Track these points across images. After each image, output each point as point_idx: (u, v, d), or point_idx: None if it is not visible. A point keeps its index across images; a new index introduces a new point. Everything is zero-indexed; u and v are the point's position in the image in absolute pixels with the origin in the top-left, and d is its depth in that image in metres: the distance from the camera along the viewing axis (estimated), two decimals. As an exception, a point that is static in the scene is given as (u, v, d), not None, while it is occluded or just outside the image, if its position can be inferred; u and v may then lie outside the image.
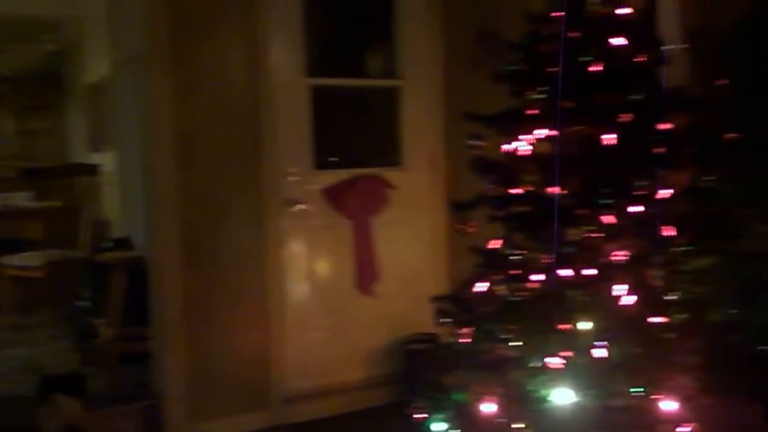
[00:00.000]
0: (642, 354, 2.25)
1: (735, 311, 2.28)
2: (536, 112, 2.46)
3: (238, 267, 3.71)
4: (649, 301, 2.32)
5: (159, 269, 3.61)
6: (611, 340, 2.24)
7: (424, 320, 3.04)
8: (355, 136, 4.20)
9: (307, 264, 3.95)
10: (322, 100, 3.95)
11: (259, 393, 3.77)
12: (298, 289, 3.91)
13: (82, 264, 4.96)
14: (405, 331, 3.99)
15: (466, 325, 2.51)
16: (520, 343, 2.31)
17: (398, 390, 3.98)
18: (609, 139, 2.33)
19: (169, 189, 3.54)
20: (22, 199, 6.01)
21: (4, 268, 5.46)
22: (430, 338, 3.73)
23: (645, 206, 2.35)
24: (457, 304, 2.65)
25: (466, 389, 2.51)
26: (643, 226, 2.38)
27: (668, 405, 2.25)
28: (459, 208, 2.81)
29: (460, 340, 2.56)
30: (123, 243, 4.67)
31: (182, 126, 3.55)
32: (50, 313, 5.49)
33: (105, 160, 6.19)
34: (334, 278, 4.02)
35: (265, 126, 3.71)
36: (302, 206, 3.85)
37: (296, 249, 3.91)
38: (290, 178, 3.83)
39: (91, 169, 5.88)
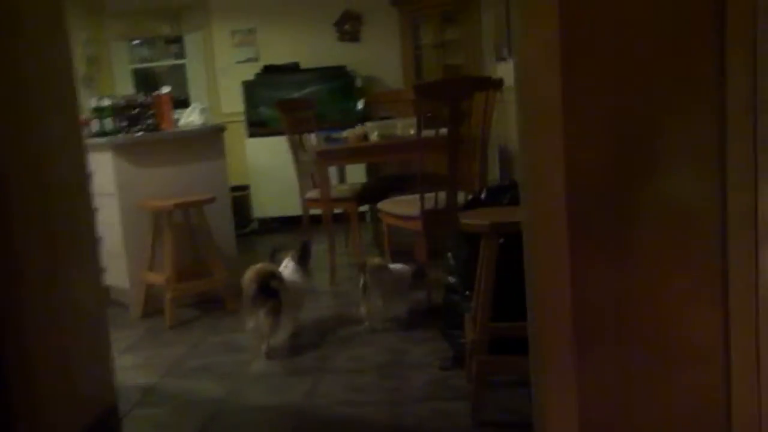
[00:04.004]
0: None
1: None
2: None
3: (679, 240, 2.12)
4: None
5: (534, 244, 2.22)
6: None
7: None
8: None
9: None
10: None
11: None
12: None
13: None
14: None
15: None
16: None
17: None
18: None
19: (552, 107, 2.09)
20: (407, 126, 5.08)
21: (383, 214, 4.56)
22: None
23: None
24: None
25: None
26: None
27: None
28: None
29: None
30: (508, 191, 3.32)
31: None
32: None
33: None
34: None
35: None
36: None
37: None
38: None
39: (491, 84, 4.62)
